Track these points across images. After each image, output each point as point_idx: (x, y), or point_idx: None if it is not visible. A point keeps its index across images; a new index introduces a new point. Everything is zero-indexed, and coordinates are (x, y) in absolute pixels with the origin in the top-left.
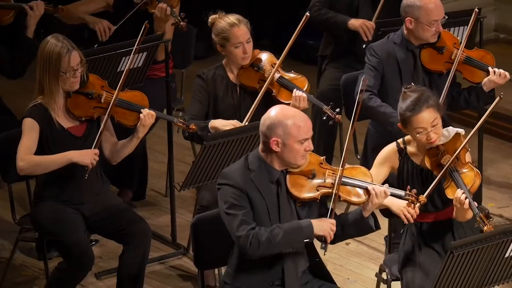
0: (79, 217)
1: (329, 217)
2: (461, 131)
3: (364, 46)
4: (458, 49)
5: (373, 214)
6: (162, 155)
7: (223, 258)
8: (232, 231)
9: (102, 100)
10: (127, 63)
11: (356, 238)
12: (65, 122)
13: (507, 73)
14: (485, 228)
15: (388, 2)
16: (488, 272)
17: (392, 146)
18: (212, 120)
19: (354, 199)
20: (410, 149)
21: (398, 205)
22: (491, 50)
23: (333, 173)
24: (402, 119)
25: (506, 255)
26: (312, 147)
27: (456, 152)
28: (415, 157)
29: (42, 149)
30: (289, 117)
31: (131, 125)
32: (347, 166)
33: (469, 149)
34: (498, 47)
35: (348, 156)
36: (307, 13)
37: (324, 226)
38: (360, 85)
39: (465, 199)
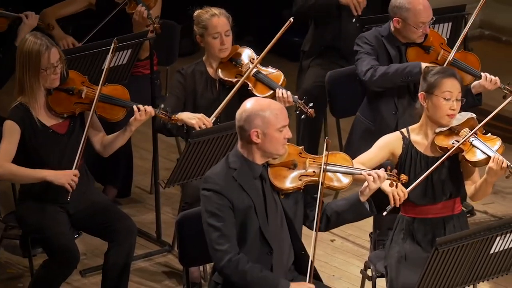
0: (63, 215)
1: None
2: (474, 115)
3: (354, 20)
4: (445, 49)
5: (368, 199)
6: (147, 152)
7: (208, 255)
8: (210, 243)
9: (83, 96)
10: (111, 60)
11: (341, 235)
12: (48, 120)
13: (497, 80)
14: None
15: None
16: (474, 268)
17: (396, 133)
18: (179, 113)
19: (336, 184)
20: (414, 137)
21: (387, 185)
22: (475, 47)
23: (314, 161)
24: (430, 83)
25: (491, 251)
26: (290, 135)
27: (479, 125)
28: (419, 145)
29: (27, 149)
30: (265, 107)
31: (112, 119)
32: (325, 152)
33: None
34: (483, 43)
35: (321, 149)
36: (291, 19)
37: None
38: None
39: (502, 159)
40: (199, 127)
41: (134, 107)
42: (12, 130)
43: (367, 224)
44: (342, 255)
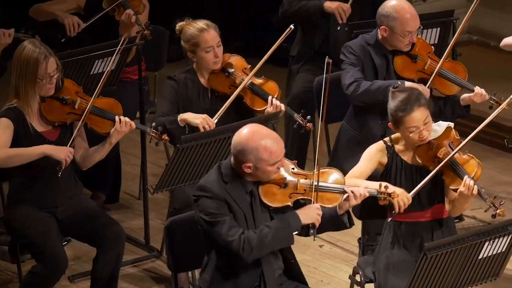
0: (52, 220)
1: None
2: (451, 124)
3: (338, 28)
4: (432, 58)
5: (347, 212)
6: (135, 158)
7: (196, 261)
8: (222, 237)
9: (76, 106)
10: (100, 66)
11: (330, 241)
12: (39, 127)
13: (486, 95)
14: (498, 211)
15: (359, 5)
16: (462, 273)
17: (379, 144)
18: (181, 114)
19: (328, 204)
20: (398, 147)
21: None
22: (464, 52)
23: (305, 179)
24: (394, 119)
25: (480, 256)
26: (284, 165)
27: (459, 147)
28: (404, 154)
29: None
30: (260, 143)
31: (103, 132)
32: (317, 168)
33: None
34: (471, 49)
35: (321, 158)
36: (291, 26)
37: (310, 213)
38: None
39: (474, 185)
40: (203, 127)
41: (116, 117)
42: (6, 125)
43: (356, 229)
44: (330, 261)
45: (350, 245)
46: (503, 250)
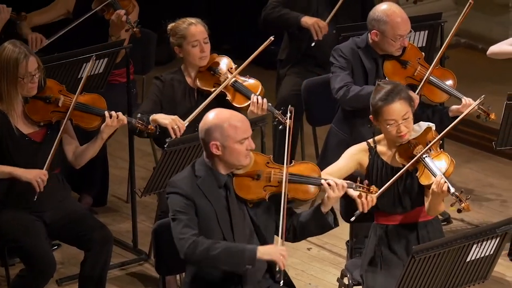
0: (40, 224)
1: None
2: (432, 124)
3: (313, 44)
4: (422, 65)
5: (332, 211)
6: (123, 161)
7: (184, 264)
8: (175, 235)
9: (60, 104)
10: (87, 69)
11: (318, 244)
12: (25, 128)
13: (476, 107)
14: (463, 205)
15: (348, 7)
16: (450, 276)
17: (362, 145)
18: (154, 114)
19: (302, 196)
20: (380, 148)
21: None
22: (452, 55)
23: (280, 172)
24: (374, 109)
25: (468, 259)
26: (253, 146)
27: (432, 143)
28: (385, 155)
29: (3, 156)
30: (224, 119)
31: (89, 128)
32: (293, 162)
33: (444, 146)
34: (460, 51)
35: (298, 157)
36: (271, 37)
37: (271, 250)
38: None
39: (444, 182)
40: (172, 128)
41: (106, 113)
42: None
43: (344, 232)
44: (318, 263)
45: (338, 248)
46: (491, 252)
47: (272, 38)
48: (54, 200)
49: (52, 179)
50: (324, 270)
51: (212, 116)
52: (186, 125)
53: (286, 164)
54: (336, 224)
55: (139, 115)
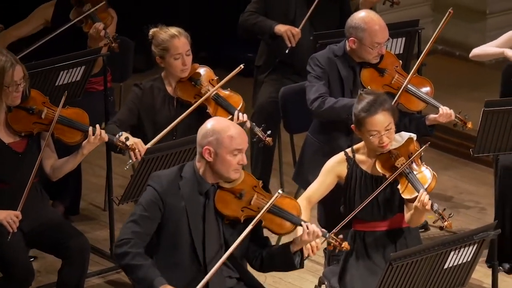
0: (18, 233)
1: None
2: (414, 135)
3: (286, 51)
4: (399, 73)
5: (301, 252)
6: (100, 169)
7: None
8: (126, 221)
9: (43, 116)
10: (65, 77)
11: None
12: (6, 138)
13: (452, 115)
14: (445, 224)
15: (326, 15)
16: (428, 283)
17: (340, 156)
18: (123, 132)
19: (275, 228)
20: (359, 157)
21: (305, 235)
22: (429, 62)
23: (263, 199)
24: (357, 120)
25: (446, 266)
26: (245, 161)
27: (414, 156)
28: (364, 164)
29: None
30: (223, 128)
31: (70, 142)
32: (281, 194)
33: (423, 154)
34: (436, 58)
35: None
36: (241, 65)
37: None
38: None
39: (428, 200)
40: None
41: (90, 129)
42: None
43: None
44: (296, 271)
45: (316, 256)
46: (469, 259)
47: (242, 66)
48: (32, 210)
49: (31, 189)
50: (301, 278)
51: (213, 122)
52: (147, 147)
53: (276, 194)
54: (301, 266)
55: (121, 133)
